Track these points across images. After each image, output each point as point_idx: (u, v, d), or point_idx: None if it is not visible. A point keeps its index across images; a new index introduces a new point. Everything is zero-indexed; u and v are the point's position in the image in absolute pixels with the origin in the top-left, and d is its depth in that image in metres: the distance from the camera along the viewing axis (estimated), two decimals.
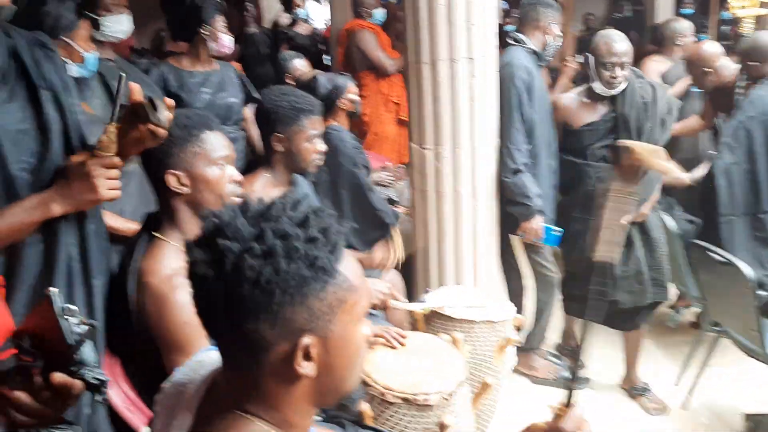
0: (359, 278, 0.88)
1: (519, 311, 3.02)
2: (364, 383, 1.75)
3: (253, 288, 0.78)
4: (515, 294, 3.15)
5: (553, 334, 3.36)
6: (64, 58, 1.83)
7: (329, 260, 0.82)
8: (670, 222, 3.06)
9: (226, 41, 2.99)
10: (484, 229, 2.73)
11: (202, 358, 1.01)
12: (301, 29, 5.72)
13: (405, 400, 1.71)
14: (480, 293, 2.55)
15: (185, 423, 0.90)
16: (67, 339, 0.93)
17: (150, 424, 1.08)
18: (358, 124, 4.46)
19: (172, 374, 1.04)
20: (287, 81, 3.94)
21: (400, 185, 3.60)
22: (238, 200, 1.63)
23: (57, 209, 1.34)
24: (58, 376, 0.94)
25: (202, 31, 2.94)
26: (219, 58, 3.13)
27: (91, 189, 1.35)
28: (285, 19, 5.93)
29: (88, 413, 1.39)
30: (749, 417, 2.66)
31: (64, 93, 1.47)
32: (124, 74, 1.37)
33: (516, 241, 3.11)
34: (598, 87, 2.89)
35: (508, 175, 2.79)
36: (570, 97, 3.07)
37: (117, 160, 1.38)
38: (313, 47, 5.56)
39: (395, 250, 2.60)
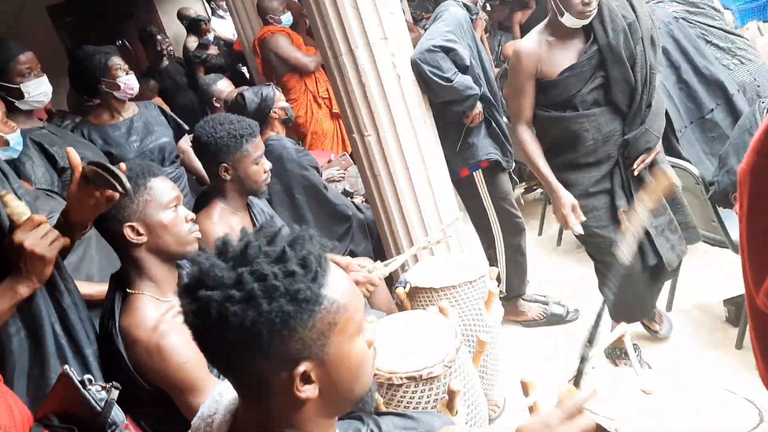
0: (348, 294, 0.90)
1: (495, 261, 3.12)
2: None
3: (240, 332, 0.82)
4: (490, 245, 3.21)
5: (532, 277, 3.46)
6: None
7: (311, 290, 0.84)
8: None
9: (130, 84, 2.93)
10: (442, 193, 2.79)
11: (222, 389, 1.05)
12: (212, 50, 5.68)
13: (411, 378, 1.77)
14: (453, 257, 2.62)
15: None
16: (96, 407, 0.96)
17: None
18: (294, 128, 4.48)
19: (185, 418, 1.08)
20: (215, 104, 3.93)
21: (351, 176, 3.64)
22: (197, 236, 1.67)
23: (23, 290, 1.36)
24: None
25: (103, 86, 2.89)
26: (135, 98, 3.09)
27: (36, 257, 1.36)
28: (192, 43, 5.87)
29: None
30: (728, 301, 2.81)
31: (3, 179, 1.47)
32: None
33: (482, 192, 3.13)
34: (568, 20, 2.33)
35: (447, 81, 2.69)
36: (533, 41, 2.49)
37: (38, 217, 1.39)
38: (229, 64, 5.53)
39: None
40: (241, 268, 0.83)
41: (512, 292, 3.24)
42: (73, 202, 1.41)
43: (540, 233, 4.32)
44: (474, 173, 3.06)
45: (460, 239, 2.84)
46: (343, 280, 0.91)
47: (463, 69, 2.79)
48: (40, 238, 1.37)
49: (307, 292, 0.84)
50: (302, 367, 0.85)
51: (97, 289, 1.98)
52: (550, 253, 4.03)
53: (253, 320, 0.81)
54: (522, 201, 4.52)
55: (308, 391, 0.87)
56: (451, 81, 2.70)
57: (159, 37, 5.65)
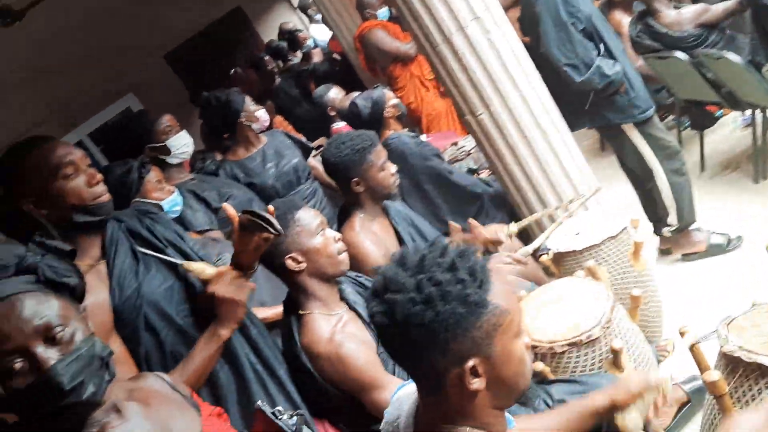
0: (510, 300, 1.04)
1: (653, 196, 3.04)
2: (531, 346, 1.89)
3: (420, 330, 0.97)
4: (647, 179, 3.06)
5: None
6: None
7: (479, 295, 0.98)
8: (735, 57, 2.99)
9: (263, 117, 3.22)
10: (569, 155, 2.79)
11: (400, 395, 1.21)
12: (316, 58, 5.91)
13: (571, 344, 1.83)
14: (592, 216, 2.62)
15: None
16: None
17: None
18: (408, 115, 4.60)
19: (375, 414, 1.25)
20: (330, 114, 4.14)
21: (474, 153, 3.70)
22: (345, 255, 1.83)
23: (225, 333, 1.61)
24: None
25: (241, 120, 3.18)
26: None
27: (232, 302, 1.60)
28: (296, 57, 6.14)
29: None
30: None
31: (180, 241, 1.72)
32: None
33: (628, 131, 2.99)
34: None
35: (580, 76, 2.76)
36: None
37: (219, 269, 1.62)
38: (335, 69, 5.74)
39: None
40: (420, 275, 0.99)
41: (685, 221, 3.04)
42: (238, 248, 1.63)
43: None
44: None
45: (596, 196, 2.82)
46: (504, 288, 1.05)
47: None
48: (228, 286, 1.60)
49: (475, 297, 0.98)
50: (471, 362, 0.99)
51: (272, 312, 2.22)
52: (695, 181, 3.84)
53: (431, 319, 0.96)
54: None
55: (477, 384, 1.00)
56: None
57: (267, 58, 5.97)
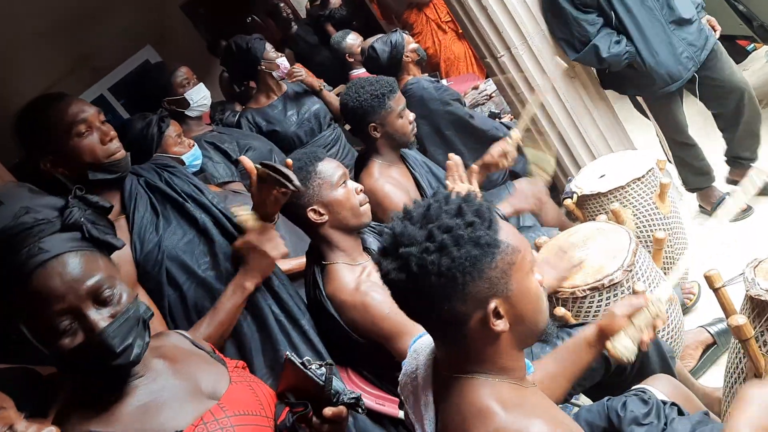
0: (519, 239, 1.03)
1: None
2: (553, 291, 1.89)
3: (439, 278, 0.96)
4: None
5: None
6: None
7: (490, 235, 0.97)
8: None
9: (284, 64, 3.20)
10: (588, 95, 2.72)
11: (416, 347, 1.21)
12: (333, 3, 5.78)
13: (593, 289, 1.82)
14: (617, 156, 2.56)
15: (429, 399, 1.11)
16: (320, 382, 1.16)
17: (400, 406, 1.31)
18: (428, 60, 4.51)
19: (401, 365, 1.26)
20: (349, 60, 4.07)
21: (495, 97, 3.63)
22: (367, 206, 1.82)
23: (250, 285, 1.62)
24: (328, 410, 1.16)
25: (262, 67, 3.16)
26: None
27: (264, 256, 1.62)
28: (314, 2, 6.01)
29: (352, 421, 1.66)
30: None
31: (200, 194, 1.72)
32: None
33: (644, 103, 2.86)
34: None
35: (574, 54, 2.60)
36: None
37: (269, 224, 1.61)
38: (352, 14, 5.61)
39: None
40: (429, 225, 0.98)
41: (691, 185, 2.94)
42: (257, 201, 1.63)
43: None
44: None
45: (621, 138, 2.76)
46: (510, 227, 1.04)
47: None
48: (267, 241, 1.61)
49: (486, 237, 0.97)
50: (493, 304, 0.98)
51: (295, 263, 2.24)
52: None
53: (448, 266, 0.95)
54: None
55: (501, 325, 1.00)
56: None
57: (282, 5, 5.84)
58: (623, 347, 1.32)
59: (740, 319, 1.37)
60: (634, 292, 1.81)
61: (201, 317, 1.61)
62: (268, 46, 3.21)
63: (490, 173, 2.49)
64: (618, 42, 2.54)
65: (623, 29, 2.55)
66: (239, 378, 1.25)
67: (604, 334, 1.34)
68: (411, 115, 2.37)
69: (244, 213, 1.67)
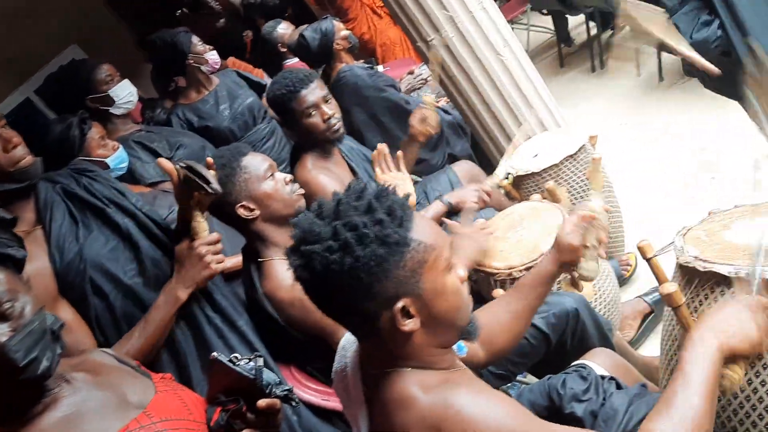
0: (435, 236, 0.99)
1: None
2: (491, 274, 1.89)
3: (343, 278, 0.93)
4: None
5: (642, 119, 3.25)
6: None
7: (399, 234, 0.94)
8: None
9: (214, 58, 3.11)
10: (522, 74, 2.72)
11: (343, 343, 1.19)
12: None
13: (530, 269, 1.81)
14: (550, 136, 2.58)
15: (360, 396, 1.09)
16: (250, 376, 1.12)
17: None
18: (362, 47, 4.46)
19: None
20: (281, 50, 3.99)
21: (430, 81, 3.61)
22: (300, 193, 1.79)
23: (183, 295, 1.57)
24: (262, 402, 1.14)
25: (190, 62, 3.06)
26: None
27: (205, 267, 1.58)
28: None
29: (297, 419, 1.63)
30: None
31: (122, 198, 1.65)
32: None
33: None
34: None
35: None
36: None
37: (216, 235, 1.57)
38: (285, 3, 5.50)
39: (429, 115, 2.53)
40: (335, 222, 0.94)
41: None
42: (180, 202, 1.57)
43: (639, 74, 4.09)
44: None
45: (555, 116, 2.78)
46: (427, 223, 1.01)
47: None
48: (214, 254, 1.58)
49: (395, 236, 0.94)
50: (401, 303, 0.96)
51: (233, 261, 2.18)
52: (653, 91, 3.82)
53: (351, 265, 0.92)
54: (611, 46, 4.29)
55: (410, 324, 0.97)
56: None
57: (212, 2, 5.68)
58: (588, 270, 1.38)
59: (671, 287, 1.38)
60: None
61: (131, 326, 1.55)
62: (195, 39, 3.11)
63: (427, 150, 2.48)
64: (707, 23, 2.03)
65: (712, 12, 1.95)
66: (165, 387, 1.22)
67: (566, 265, 1.38)
68: (329, 110, 2.27)
69: (202, 220, 1.60)
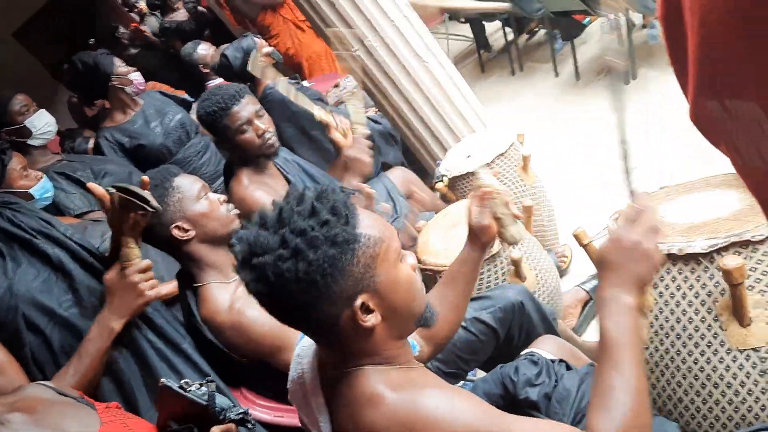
0: (382, 229, 0.99)
1: None
2: (437, 271, 1.91)
3: (299, 284, 0.91)
4: None
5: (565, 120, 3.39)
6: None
7: (347, 231, 0.93)
8: None
9: (137, 79, 3.04)
10: (448, 80, 2.78)
11: (299, 351, 1.17)
12: (180, 16, 5.58)
13: None
14: (479, 136, 2.64)
15: (321, 401, 1.07)
16: (202, 402, 1.09)
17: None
18: (288, 62, 4.46)
19: (288, 373, 1.21)
20: (204, 71, 3.94)
21: (357, 92, 3.63)
22: (236, 212, 1.76)
23: (117, 326, 1.50)
24: (215, 429, 1.11)
25: (114, 83, 2.99)
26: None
27: (139, 295, 1.51)
28: (155, 21, 5.76)
29: None
30: None
31: (50, 228, 1.58)
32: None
33: None
34: None
35: None
36: None
37: (148, 262, 1.51)
38: (202, 25, 5.45)
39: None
40: (282, 230, 0.93)
41: None
42: (114, 227, 1.51)
43: (557, 74, 4.25)
44: None
45: (481, 118, 2.85)
46: (371, 216, 1.01)
47: None
48: (147, 281, 1.51)
49: (343, 234, 0.93)
50: (359, 300, 0.95)
51: (170, 287, 2.12)
52: (571, 90, 3.98)
53: (305, 270, 0.91)
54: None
55: (372, 319, 0.97)
56: None
57: (122, 30, 5.56)
58: (512, 235, 1.43)
59: None
60: (512, 261, 1.87)
61: (70, 360, 1.47)
62: (117, 61, 3.03)
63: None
64: None
65: None
66: (111, 417, 1.16)
67: (487, 242, 1.41)
68: (262, 125, 2.23)
69: (134, 247, 1.54)
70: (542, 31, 4.72)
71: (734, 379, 1.36)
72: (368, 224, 0.98)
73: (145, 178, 1.55)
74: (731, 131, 0.44)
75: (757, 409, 1.36)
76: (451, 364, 1.73)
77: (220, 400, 1.13)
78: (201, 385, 1.13)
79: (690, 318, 1.38)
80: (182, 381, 1.13)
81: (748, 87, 0.40)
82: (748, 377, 1.34)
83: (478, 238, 1.41)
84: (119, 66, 3.05)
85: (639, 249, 1.06)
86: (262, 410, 1.73)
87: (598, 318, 1.06)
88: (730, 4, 0.38)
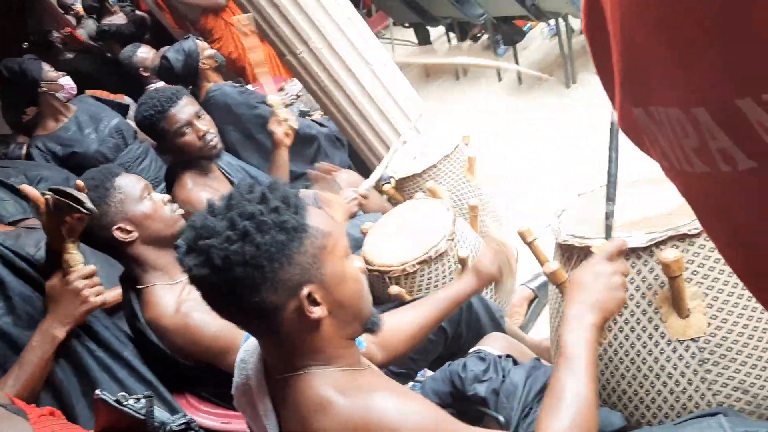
0: (329, 223, 0.99)
1: None
2: (385, 272, 1.90)
3: (245, 268, 0.89)
4: None
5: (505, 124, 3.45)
6: None
7: (296, 219, 0.92)
8: None
9: (70, 83, 2.94)
10: (396, 84, 2.79)
11: (242, 355, 1.14)
12: (118, 19, 5.42)
13: (422, 262, 1.86)
14: (425, 139, 2.66)
15: (268, 406, 1.04)
16: (140, 417, 1.05)
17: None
18: (231, 66, 4.39)
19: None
20: (143, 75, 3.85)
21: (302, 95, 3.61)
22: (180, 212, 1.71)
23: (61, 333, 1.45)
24: None
25: (43, 89, 2.88)
26: None
27: (83, 301, 1.47)
28: (91, 24, 5.60)
29: None
30: None
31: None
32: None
33: None
34: None
35: None
36: None
37: (92, 267, 1.45)
38: (142, 28, 5.31)
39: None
40: (230, 213, 0.91)
41: None
42: (50, 232, 1.46)
43: (500, 79, 4.32)
44: None
45: (428, 120, 2.86)
46: (320, 212, 1.00)
47: None
48: (91, 287, 1.46)
49: (293, 221, 0.92)
50: (306, 290, 0.94)
51: (111, 294, 2.04)
52: (514, 93, 4.05)
53: (252, 254, 0.89)
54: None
55: (318, 312, 0.96)
56: None
57: (55, 34, 5.35)
58: (508, 287, 1.57)
59: (553, 265, 1.46)
60: (460, 260, 1.88)
61: (5, 370, 1.40)
62: (46, 66, 2.93)
63: (307, 164, 2.47)
64: None
65: None
66: (44, 427, 1.10)
67: (484, 287, 1.50)
68: (203, 127, 2.21)
69: (76, 252, 1.49)
70: (485, 37, 4.79)
71: (675, 369, 1.39)
72: (317, 218, 0.97)
73: (80, 182, 1.50)
74: (658, 137, 0.45)
75: (697, 397, 1.40)
76: (400, 365, 1.73)
77: (159, 414, 1.10)
78: (138, 398, 1.09)
79: (632, 311, 1.41)
80: (119, 394, 1.09)
81: (667, 93, 0.41)
82: (687, 367, 1.38)
83: (479, 282, 1.47)
84: (48, 71, 2.95)
85: (612, 280, 1.10)
86: (209, 417, 1.69)
87: (559, 332, 1.09)
88: (643, 10, 0.38)
